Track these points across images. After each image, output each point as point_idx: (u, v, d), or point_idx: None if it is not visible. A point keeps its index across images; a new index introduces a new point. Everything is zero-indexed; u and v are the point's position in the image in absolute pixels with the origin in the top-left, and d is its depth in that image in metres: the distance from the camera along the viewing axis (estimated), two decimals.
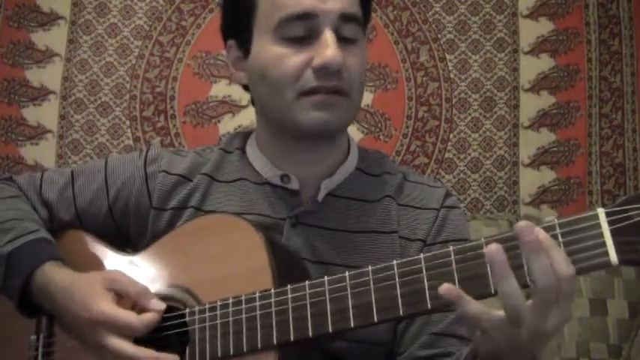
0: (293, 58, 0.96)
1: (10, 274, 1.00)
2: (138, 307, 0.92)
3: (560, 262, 0.72)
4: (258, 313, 0.87)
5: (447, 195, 1.09)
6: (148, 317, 0.90)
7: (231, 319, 0.89)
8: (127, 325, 0.89)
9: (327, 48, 0.94)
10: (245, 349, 0.87)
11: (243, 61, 1.04)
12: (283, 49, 0.97)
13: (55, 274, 0.97)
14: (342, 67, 0.95)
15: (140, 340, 0.91)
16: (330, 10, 0.95)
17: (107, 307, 0.90)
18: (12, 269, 1.00)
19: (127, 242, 1.11)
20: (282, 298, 0.86)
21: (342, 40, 0.97)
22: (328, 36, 0.95)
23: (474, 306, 0.75)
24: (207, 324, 0.90)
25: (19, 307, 1.00)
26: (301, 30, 0.96)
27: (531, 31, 2.38)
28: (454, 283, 0.77)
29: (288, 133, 1.02)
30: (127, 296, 0.93)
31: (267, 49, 0.98)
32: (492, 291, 0.76)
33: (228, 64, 1.09)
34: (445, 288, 0.75)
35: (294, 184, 1.05)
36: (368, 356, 1.01)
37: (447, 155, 2.34)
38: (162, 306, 0.92)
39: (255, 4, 1.00)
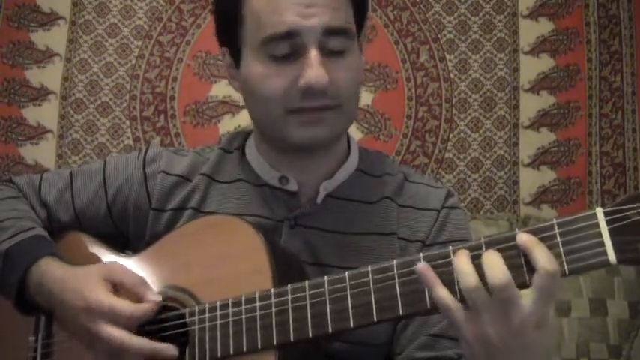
0: (279, 78, 0.96)
1: (6, 271, 1.00)
2: (135, 299, 0.92)
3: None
4: (257, 313, 0.87)
5: (448, 195, 1.08)
6: (144, 307, 0.90)
7: (230, 319, 0.89)
8: (121, 313, 0.89)
9: (311, 69, 0.93)
10: (245, 349, 0.87)
11: (236, 71, 1.04)
12: (269, 68, 0.96)
13: (52, 268, 0.98)
14: (327, 86, 0.94)
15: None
16: (313, 27, 0.94)
17: (103, 295, 0.90)
18: (9, 266, 1.00)
19: (126, 243, 1.11)
20: (281, 298, 0.86)
21: (329, 54, 0.96)
22: (312, 56, 0.94)
23: (441, 291, 0.77)
24: (206, 324, 0.90)
25: (15, 303, 1.00)
26: (286, 48, 0.95)
27: (531, 31, 2.38)
28: (453, 283, 0.77)
29: (281, 145, 1.03)
30: (124, 287, 0.93)
31: (255, 67, 0.98)
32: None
33: (224, 68, 1.10)
34: (420, 266, 0.78)
35: (292, 186, 1.05)
36: (368, 357, 1.01)
37: (447, 155, 2.34)
38: (159, 297, 0.92)
39: (242, 20, 0.99)
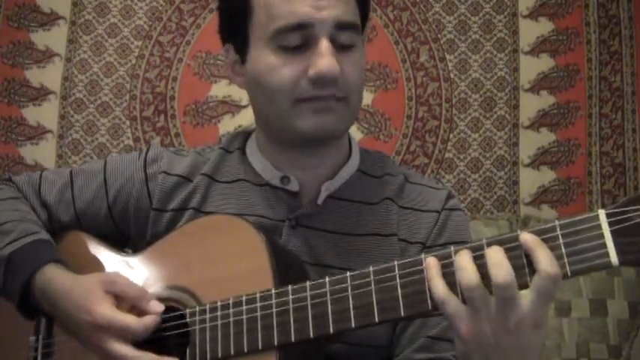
0: (289, 68, 0.96)
1: (9, 277, 1.00)
2: (137, 310, 0.93)
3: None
4: (259, 313, 0.87)
5: (449, 197, 1.08)
6: (148, 320, 0.91)
7: (231, 319, 0.89)
8: (127, 328, 0.89)
9: (323, 58, 0.94)
10: (246, 350, 0.87)
11: (241, 66, 1.04)
12: (279, 59, 0.96)
13: (55, 277, 0.97)
14: (338, 76, 0.95)
15: (141, 341, 0.91)
16: (325, 19, 0.95)
17: (107, 310, 0.91)
18: (11, 271, 1.00)
19: (127, 243, 1.11)
20: (283, 299, 0.86)
21: (339, 48, 0.97)
22: (324, 46, 0.94)
23: (441, 287, 0.77)
24: (207, 325, 0.90)
25: (18, 308, 1.00)
26: (297, 39, 0.95)
27: (531, 31, 2.38)
28: (455, 283, 0.77)
29: (287, 139, 1.03)
30: (126, 298, 0.93)
31: (263, 58, 0.98)
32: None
33: (227, 66, 1.09)
34: (430, 259, 0.79)
35: (293, 186, 1.05)
36: (367, 358, 1.01)
37: (447, 155, 2.34)
38: (161, 307, 0.92)
39: (251, 11, 0.99)
